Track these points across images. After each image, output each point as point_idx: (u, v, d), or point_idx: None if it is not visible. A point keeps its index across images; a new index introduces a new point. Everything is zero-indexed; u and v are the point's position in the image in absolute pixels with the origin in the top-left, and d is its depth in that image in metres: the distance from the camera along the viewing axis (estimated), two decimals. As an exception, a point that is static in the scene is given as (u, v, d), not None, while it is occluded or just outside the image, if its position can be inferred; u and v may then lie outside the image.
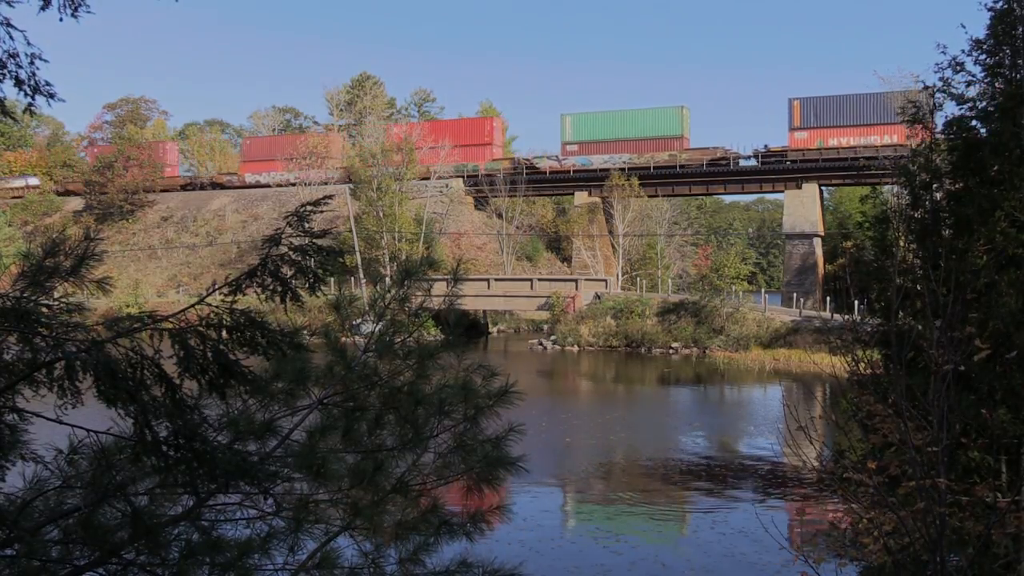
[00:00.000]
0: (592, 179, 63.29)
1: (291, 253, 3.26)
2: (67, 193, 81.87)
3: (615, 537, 14.10)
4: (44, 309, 2.92)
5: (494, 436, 4.23)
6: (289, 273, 3.26)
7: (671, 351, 44.23)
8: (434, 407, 4.12)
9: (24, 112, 4.58)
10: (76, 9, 4.37)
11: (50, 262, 3.05)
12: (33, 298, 2.94)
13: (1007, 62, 9.31)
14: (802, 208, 56.79)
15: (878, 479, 5.77)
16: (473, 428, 4.22)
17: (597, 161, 63.47)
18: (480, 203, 67.30)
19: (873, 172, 46.71)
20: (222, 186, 78.28)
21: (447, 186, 66.36)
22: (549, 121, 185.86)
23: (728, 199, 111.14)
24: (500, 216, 64.01)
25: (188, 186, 79.85)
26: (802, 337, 40.43)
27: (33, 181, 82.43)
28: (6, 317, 2.84)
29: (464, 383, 4.22)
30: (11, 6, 4.10)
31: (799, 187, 56.95)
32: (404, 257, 53.55)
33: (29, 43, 4.14)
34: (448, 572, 4.07)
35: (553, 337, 48.00)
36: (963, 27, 9.56)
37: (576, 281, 51.87)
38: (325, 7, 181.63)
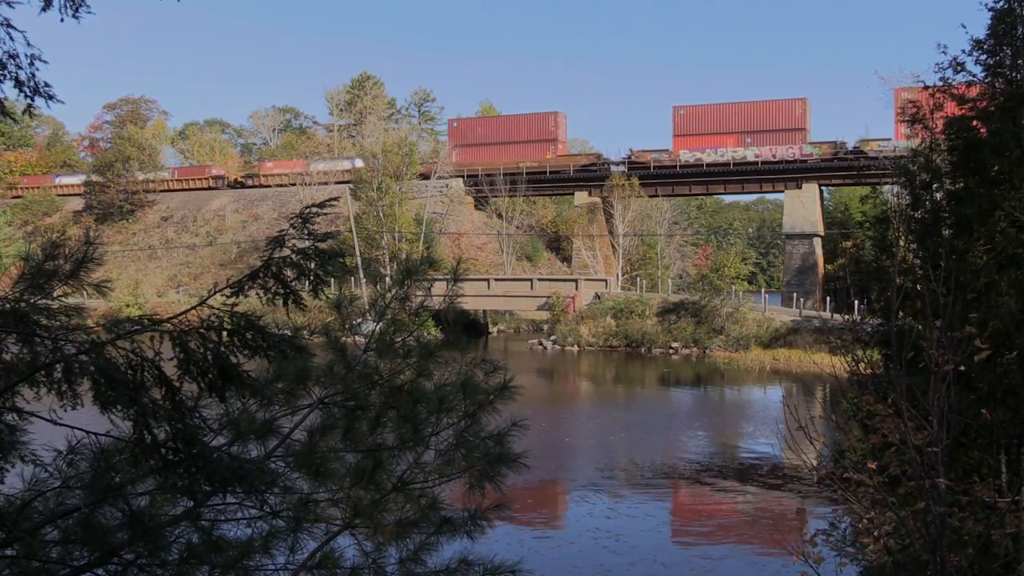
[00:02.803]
0: (592, 179, 63.43)
1: (293, 256, 3.25)
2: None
3: (615, 537, 14.10)
4: (43, 315, 2.92)
5: (496, 432, 4.23)
6: (291, 276, 3.26)
7: (671, 351, 44.22)
8: (434, 405, 4.12)
9: (24, 113, 4.57)
10: (77, 10, 4.36)
11: (50, 265, 3.05)
12: (32, 301, 2.94)
13: (1007, 62, 9.31)
14: (802, 208, 56.78)
15: (878, 479, 5.76)
16: (474, 425, 4.22)
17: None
18: (480, 203, 67.34)
19: (873, 172, 46.70)
20: (659, 168, 62.28)
21: (447, 186, 66.37)
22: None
23: (728, 199, 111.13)
24: (500, 216, 64.01)
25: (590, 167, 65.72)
26: (802, 337, 40.43)
27: (359, 163, 74.20)
28: (5, 319, 2.84)
29: (465, 379, 4.21)
30: (11, 7, 4.10)
31: (799, 187, 56.94)
32: (404, 257, 53.58)
33: (29, 44, 4.14)
34: (448, 570, 4.07)
35: (553, 337, 48.00)
36: (964, 27, 9.56)
37: (576, 281, 51.86)
38: (325, 7, 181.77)
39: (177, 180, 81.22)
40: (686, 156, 61.20)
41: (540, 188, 65.94)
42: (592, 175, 63.30)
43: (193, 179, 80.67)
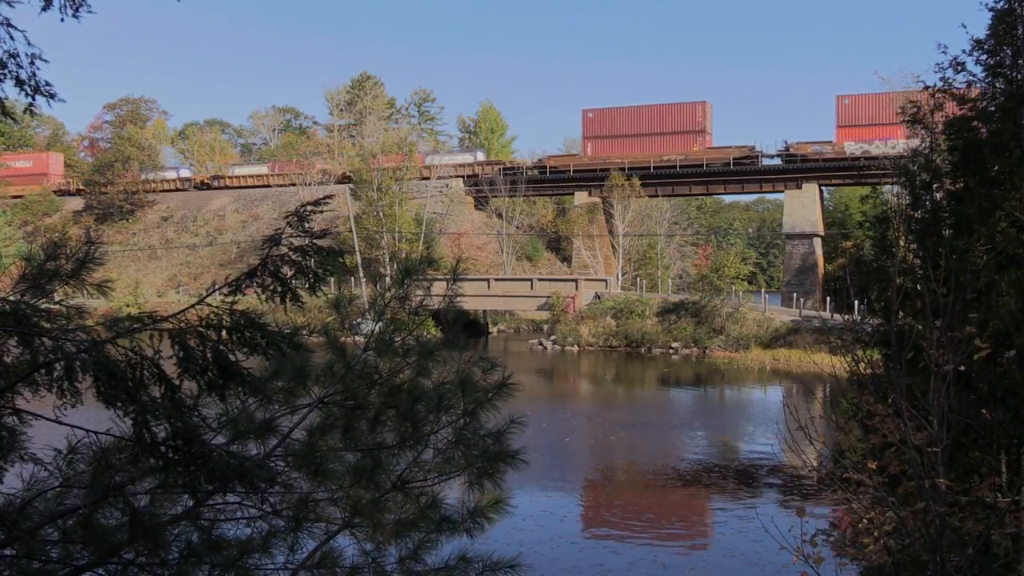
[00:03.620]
0: (592, 179, 63.30)
1: (291, 253, 3.25)
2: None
3: (615, 537, 14.10)
4: (43, 316, 2.92)
5: (495, 430, 4.23)
6: (289, 273, 3.26)
7: (671, 351, 44.22)
8: (433, 403, 4.12)
9: (25, 112, 4.57)
10: (77, 9, 4.35)
11: (51, 265, 3.05)
12: (33, 302, 2.94)
13: (1008, 62, 9.31)
14: (802, 208, 56.77)
15: (878, 479, 5.76)
16: (473, 423, 4.23)
17: None
18: (480, 203, 67.29)
19: (873, 172, 46.67)
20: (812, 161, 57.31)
21: (447, 186, 66.31)
22: (550, 119, 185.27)
23: (728, 199, 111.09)
24: (500, 216, 64.01)
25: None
26: (802, 337, 40.44)
27: (480, 155, 69.70)
28: (5, 319, 2.84)
29: (463, 377, 4.22)
30: (11, 6, 4.09)
31: (799, 187, 56.92)
32: (404, 257, 53.58)
33: (29, 43, 4.13)
34: (448, 568, 4.07)
35: (553, 337, 48.00)
36: (964, 27, 9.56)
37: (576, 281, 51.88)
38: (325, 7, 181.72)
39: (276, 175, 73.91)
40: (851, 148, 55.47)
41: (540, 188, 65.63)
42: (746, 169, 59.00)
43: (294, 174, 70.98)
